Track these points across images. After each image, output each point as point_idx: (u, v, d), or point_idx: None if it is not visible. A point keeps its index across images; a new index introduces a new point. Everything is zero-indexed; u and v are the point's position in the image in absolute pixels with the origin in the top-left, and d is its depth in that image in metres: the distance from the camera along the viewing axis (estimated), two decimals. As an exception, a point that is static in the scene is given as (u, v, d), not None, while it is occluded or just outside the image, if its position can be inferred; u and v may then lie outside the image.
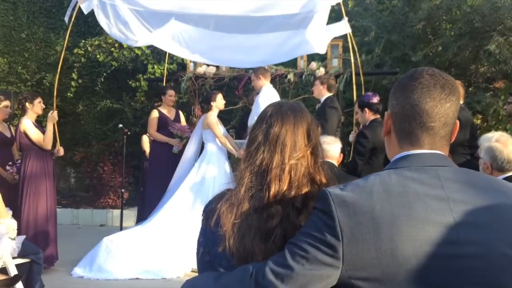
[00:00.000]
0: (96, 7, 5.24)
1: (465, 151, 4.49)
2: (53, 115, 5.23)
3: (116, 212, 7.46)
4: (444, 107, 1.12)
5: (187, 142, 6.05)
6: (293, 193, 1.24)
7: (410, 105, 1.13)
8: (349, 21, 5.92)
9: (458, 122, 1.18)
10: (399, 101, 1.16)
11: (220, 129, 5.65)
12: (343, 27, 5.49)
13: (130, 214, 7.20)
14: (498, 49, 6.30)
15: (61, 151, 5.42)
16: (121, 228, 5.96)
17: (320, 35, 5.25)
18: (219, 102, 5.66)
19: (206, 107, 5.72)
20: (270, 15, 5.22)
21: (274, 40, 5.60)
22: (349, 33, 5.52)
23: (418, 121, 1.13)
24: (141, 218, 6.08)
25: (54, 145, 5.35)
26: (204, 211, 1.35)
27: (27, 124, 5.12)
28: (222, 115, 5.83)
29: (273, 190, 1.23)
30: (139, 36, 5.37)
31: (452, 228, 1.02)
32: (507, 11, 6.31)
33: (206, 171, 5.48)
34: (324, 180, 1.29)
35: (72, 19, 5.40)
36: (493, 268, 1.02)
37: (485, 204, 1.06)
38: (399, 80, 1.20)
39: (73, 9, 5.34)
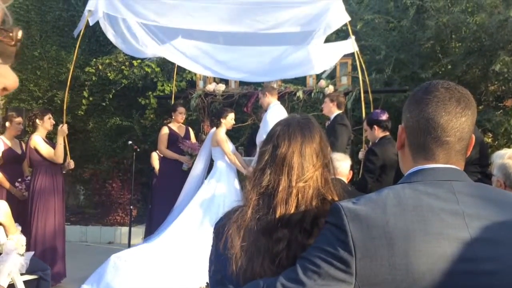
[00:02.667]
0: (102, 19, 5.31)
1: (476, 170, 4.44)
2: (63, 128, 5.27)
3: (125, 229, 7.44)
4: (459, 121, 1.10)
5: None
6: (300, 215, 1.21)
7: (425, 119, 1.11)
8: (358, 41, 5.96)
9: (474, 136, 1.16)
10: (413, 114, 1.14)
11: (229, 146, 5.65)
12: (350, 45, 5.52)
13: (138, 231, 7.18)
14: (505, 68, 6.28)
15: (71, 164, 5.45)
16: (129, 246, 5.94)
17: (322, 54, 5.31)
18: (228, 121, 5.67)
19: (216, 122, 5.73)
20: (277, 32, 5.29)
21: (282, 55, 5.66)
22: (356, 52, 5.55)
23: (433, 135, 1.11)
24: (149, 235, 6.05)
25: (64, 159, 5.39)
26: (214, 228, 1.34)
27: (37, 140, 5.16)
28: (231, 133, 5.85)
29: (279, 213, 1.20)
30: (149, 47, 5.44)
31: (468, 244, 1.00)
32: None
33: (215, 188, 5.46)
34: (336, 198, 1.26)
35: (81, 34, 5.47)
36: (511, 285, 0.99)
37: (502, 220, 1.04)
38: (414, 92, 1.18)
39: (83, 24, 5.43)
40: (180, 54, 5.71)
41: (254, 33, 5.44)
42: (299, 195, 1.22)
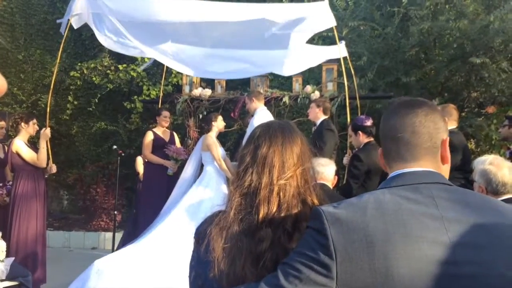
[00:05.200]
0: (91, 21, 5.25)
1: (460, 176, 4.49)
2: (46, 132, 5.19)
3: (109, 234, 7.37)
4: (407, 117, 1.17)
5: (182, 164, 6.02)
6: (282, 215, 1.22)
7: (382, 127, 1.23)
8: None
9: (447, 138, 1.19)
10: (380, 129, 1.25)
11: (219, 151, 5.63)
12: (339, 50, 5.56)
13: (123, 236, 7.12)
14: (487, 73, 6.38)
15: (53, 168, 5.37)
16: (113, 251, 5.87)
17: (307, 54, 5.35)
18: (219, 123, 5.67)
19: (206, 128, 5.70)
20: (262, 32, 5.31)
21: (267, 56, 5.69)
22: (342, 58, 5.60)
23: (390, 137, 1.20)
24: (129, 240, 5.97)
25: (47, 163, 5.31)
26: (195, 233, 1.33)
27: (19, 144, 5.08)
28: (217, 137, 5.83)
29: (262, 212, 1.21)
30: (137, 48, 5.40)
31: (448, 248, 1.01)
32: (495, 33, 6.42)
33: (204, 193, 5.42)
34: (316, 201, 1.27)
35: (65, 36, 5.39)
36: None
37: (481, 224, 1.05)
38: None
39: (67, 22, 5.34)
40: (168, 55, 5.70)
41: (240, 38, 5.45)
42: (281, 193, 1.23)
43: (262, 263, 1.18)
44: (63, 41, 5.51)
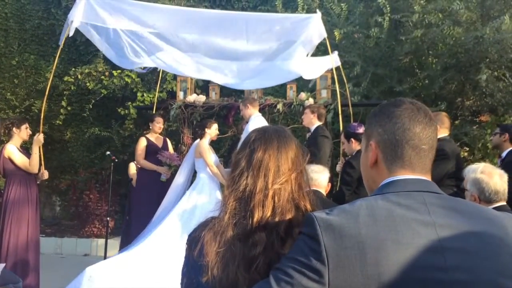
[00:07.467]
0: (87, 27, 5.25)
1: (452, 183, 4.51)
2: (39, 138, 5.16)
3: (101, 241, 7.31)
4: (430, 130, 1.17)
5: (175, 170, 6.00)
6: (277, 219, 1.22)
7: (402, 129, 1.16)
8: (337, 54, 6.03)
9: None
10: (387, 128, 1.18)
11: (212, 157, 5.62)
12: (332, 60, 5.59)
13: (115, 243, 7.05)
14: (486, 82, 6.39)
15: (45, 174, 5.34)
16: (105, 258, 5.82)
17: (308, 64, 5.37)
18: (212, 131, 5.68)
19: (199, 132, 5.71)
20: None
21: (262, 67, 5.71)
22: (335, 67, 5.63)
23: (410, 144, 1.16)
24: (124, 247, 5.94)
25: (39, 169, 5.28)
26: (188, 239, 1.32)
27: (12, 149, 5.05)
28: (211, 144, 5.83)
29: (256, 216, 1.21)
30: (136, 58, 5.41)
31: (439, 254, 1.01)
32: (490, 44, 6.45)
33: (197, 200, 5.40)
34: (309, 207, 1.27)
35: (62, 43, 5.40)
36: None
37: (472, 231, 1.06)
38: (380, 108, 1.23)
39: (66, 33, 5.36)
40: (171, 62, 5.71)
41: (234, 48, 5.48)
42: (275, 197, 1.23)
43: (255, 268, 1.17)
44: (59, 48, 5.50)
